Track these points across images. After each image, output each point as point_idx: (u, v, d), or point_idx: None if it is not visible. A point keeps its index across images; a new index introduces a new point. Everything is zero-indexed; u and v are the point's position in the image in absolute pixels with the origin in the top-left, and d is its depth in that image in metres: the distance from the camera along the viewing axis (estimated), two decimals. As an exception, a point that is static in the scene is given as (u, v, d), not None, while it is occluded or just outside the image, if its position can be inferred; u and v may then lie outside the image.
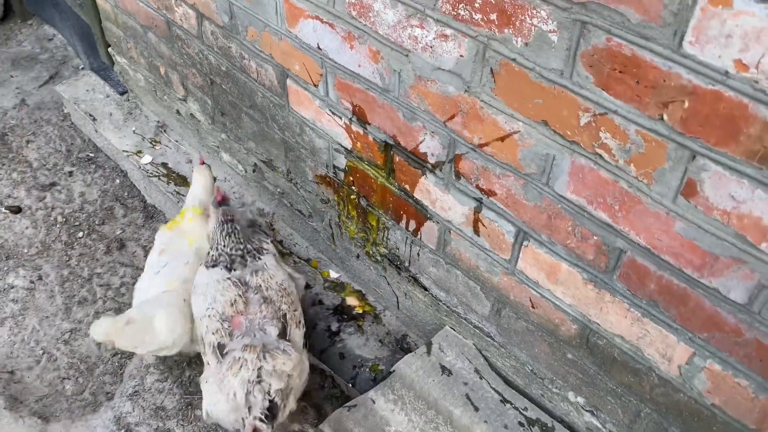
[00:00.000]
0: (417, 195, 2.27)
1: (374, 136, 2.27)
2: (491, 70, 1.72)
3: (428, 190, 2.21)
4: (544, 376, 2.24)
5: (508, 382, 2.42)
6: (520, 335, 2.24)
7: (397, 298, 2.77)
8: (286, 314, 2.28)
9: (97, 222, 3.72)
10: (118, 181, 3.97)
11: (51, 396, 2.97)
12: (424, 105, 1.99)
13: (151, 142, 3.79)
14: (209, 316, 2.38)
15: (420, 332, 2.78)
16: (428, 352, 2.55)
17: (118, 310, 3.28)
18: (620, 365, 1.90)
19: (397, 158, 2.24)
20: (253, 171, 3.19)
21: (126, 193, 3.90)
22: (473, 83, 1.80)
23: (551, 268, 1.94)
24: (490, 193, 1.98)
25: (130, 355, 3.11)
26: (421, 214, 2.31)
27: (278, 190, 3.11)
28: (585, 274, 1.85)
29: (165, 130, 3.85)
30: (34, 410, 2.89)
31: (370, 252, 2.72)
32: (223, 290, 2.37)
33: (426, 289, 2.54)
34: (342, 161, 2.52)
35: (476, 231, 2.12)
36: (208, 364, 2.30)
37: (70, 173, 3.99)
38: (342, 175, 2.57)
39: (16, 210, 3.77)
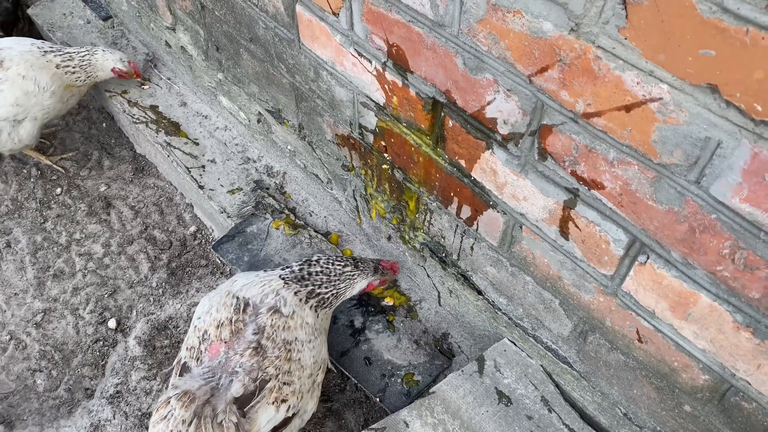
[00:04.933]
0: (476, 175, 1.62)
1: (418, 89, 1.61)
2: (624, -4, 1.04)
3: (494, 170, 1.56)
4: (643, 425, 1.66)
5: (586, 418, 1.84)
6: (612, 369, 1.63)
7: (439, 293, 2.17)
8: (266, 381, 1.71)
9: (79, 176, 3.14)
10: (104, 125, 3.35)
11: (19, 393, 2.47)
12: (499, 49, 1.32)
13: (139, 80, 3.14)
14: (196, 326, 1.84)
15: (466, 333, 2.20)
16: (480, 371, 1.97)
17: (102, 285, 2.74)
18: (777, 443, 1.30)
19: (450, 122, 1.58)
20: (258, 121, 2.55)
21: (113, 140, 3.29)
22: (587, 18, 1.12)
23: (681, 299, 1.31)
24: (593, 184, 1.33)
25: (114, 344, 2.60)
26: (481, 200, 1.67)
27: (289, 147, 2.47)
28: (739, 316, 1.22)
29: (155, 65, 3.18)
30: (-5, 413, 2.40)
31: (406, 237, 2.10)
32: (220, 305, 1.82)
33: (480, 293, 1.94)
34: (371, 120, 1.86)
35: (564, 232, 1.48)
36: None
37: (49, 115, 3.37)
38: (371, 138, 1.92)
39: (-19, 161, 3.19)
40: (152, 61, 3.17)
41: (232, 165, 2.78)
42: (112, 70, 2.79)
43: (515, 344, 1.94)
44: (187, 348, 1.84)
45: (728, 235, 1.14)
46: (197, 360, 1.80)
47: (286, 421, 1.83)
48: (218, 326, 1.83)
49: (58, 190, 3.08)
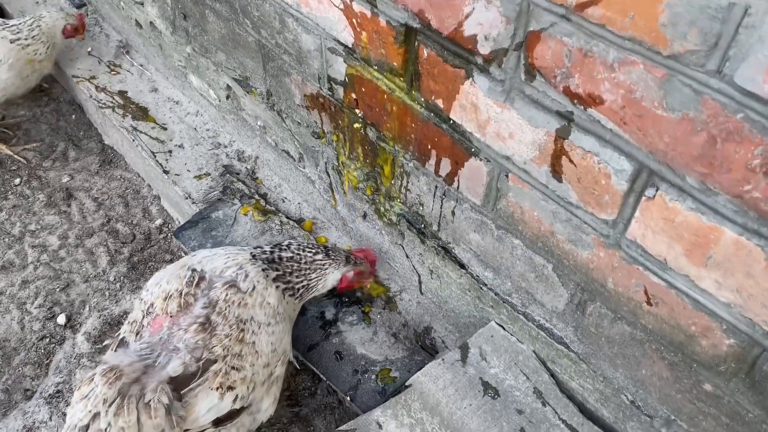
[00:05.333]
0: (456, 116, 1.40)
1: (388, 17, 1.40)
2: None
3: (474, 105, 1.33)
4: (653, 413, 1.39)
5: (586, 412, 1.57)
6: (616, 346, 1.38)
7: (420, 277, 1.93)
8: (212, 362, 1.47)
9: (41, 167, 2.92)
10: (73, 117, 3.16)
11: (-49, 393, 2.20)
12: (476, -59, 1.11)
13: (109, 66, 2.96)
14: (142, 299, 1.62)
15: (451, 325, 1.94)
16: (463, 359, 1.70)
17: (54, 279, 2.50)
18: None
19: (424, 53, 1.37)
20: (227, 98, 2.34)
21: (82, 132, 3.09)
22: None
23: (699, 238, 1.07)
24: (589, 100, 1.11)
25: (61, 341, 2.33)
26: (461, 149, 1.44)
27: (259, 123, 2.25)
28: (774, 251, 0.98)
29: (128, 52, 3.00)
30: None
31: (382, 210, 1.87)
32: (172, 277, 1.60)
33: (463, 266, 1.69)
34: (341, 68, 1.65)
35: (556, 172, 1.25)
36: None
37: (17, 104, 3.18)
38: (341, 91, 1.70)
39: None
40: (124, 47, 3.00)
41: (201, 150, 2.57)
42: (64, 30, 2.62)
43: (503, 327, 1.69)
44: (129, 322, 1.59)
45: (759, 139, 0.91)
46: (137, 335, 1.55)
47: (233, 415, 1.56)
48: (166, 299, 1.59)
49: (17, 180, 2.86)
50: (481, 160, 1.41)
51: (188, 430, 1.49)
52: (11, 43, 2.52)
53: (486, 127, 1.34)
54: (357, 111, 1.70)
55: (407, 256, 1.91)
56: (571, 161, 1.21)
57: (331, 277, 1.80)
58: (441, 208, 1.64)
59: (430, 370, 1.69)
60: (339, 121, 1.80)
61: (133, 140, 2.60)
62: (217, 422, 1.53)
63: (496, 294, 1.63)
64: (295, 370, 2.07)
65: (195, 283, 1.60)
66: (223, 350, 1.52)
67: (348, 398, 1.90)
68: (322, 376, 1.97)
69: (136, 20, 2.70)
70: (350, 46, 1.56)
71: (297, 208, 2.38)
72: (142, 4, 2.52)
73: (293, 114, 2.00)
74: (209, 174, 2.49)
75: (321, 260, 1.79)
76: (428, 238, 1.75)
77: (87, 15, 3.17)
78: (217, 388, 1.50)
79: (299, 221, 2.33)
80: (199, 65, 2.39)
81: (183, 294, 1.58)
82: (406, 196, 1.74)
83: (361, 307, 2.12)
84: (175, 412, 1.40)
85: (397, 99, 1.53)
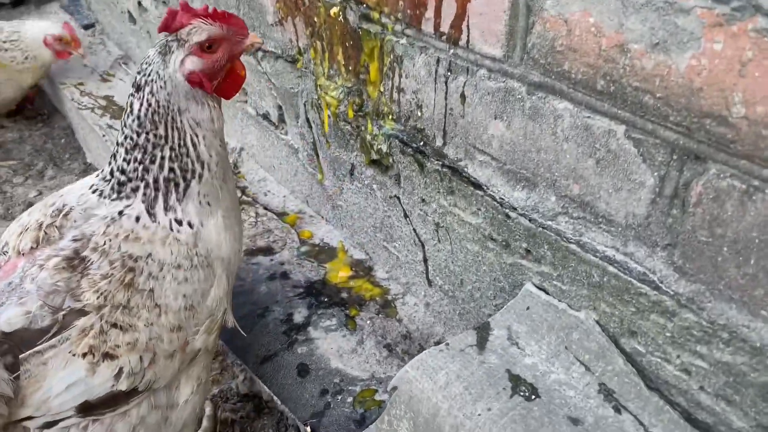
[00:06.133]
0: None
1: None
2: None
3: None
4: None
5: (697, 425, 0.86)
6: (754, 255, 0.72)
7: (424, 249, 1.31)
8: (78, 314, 0.92)
9: (11, 182, 2.53)
10: (63, 140, 2.81)
11: None
12: None
13: (102, 75, 2.64)
14: (1, 240, 1.09)
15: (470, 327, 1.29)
16: (480, 344, 1.04)
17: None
18: None
19: None
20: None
21: (67, 155, 2.72)
22: None
23: None
24: None
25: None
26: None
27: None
28: None
29: (126, 63, 2.70)
30: None
31: (369, 139, 1.31)
32: (35, 209, 1.10)
33: (480, 187, 1.08)
34: None
35: None
36: None
37: (4, 127, 2.88)
38: (314, -39, 1.24)
39: None
40: (122, 59, 2.70)
41: (179, 146, 2.13)
42: (44, 41, 2.31)
43: (545, 291, 1.03)
44: None
45: None
46: None
47: (116, 399, 0.95)
48: (21, 233, 1.04)
49: (-21, 193, 2.46)
50: (499, -38, 0.87)
51: (30, 418, 0.89)
52: None
53: None
54: (335, -15, 1.21)
55: (406, 215, 1.31)
56: None
57: (176, 64, 1.00)
58: (446, 98, 1.07)
59: (426, 360, 1.03)
60: (314, 18, 1.31)
61: (104, 136, 2.18)
62: (86, 409, 0.93)
63: (531, 221, 1.00)
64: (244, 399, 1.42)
65: (63, 213, 1.04)
66: (99, 298, 0.94)
67: (308, 429, 1.23)
68: (275, 397, 1.31)
69: (128, 11, 2.40)
70: None
71: (281, 201, 1.84)
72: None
73: (268, 43, 1.53)
74: (182, 167, 2.02)
75: (158, 60, 1.01)
76: (430, 160, 1.16)
77: (94, 35, 2.94)
78: (85, 354, 0.91)
79: (281, 215, 1.78)
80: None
81: (44, 226, 1.02)
82: (399, 102, 1.18)
83: (346, 309, 1.49)
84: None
85: (381, -74, 1.04)
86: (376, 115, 1.26)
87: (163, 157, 1.03)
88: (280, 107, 1.63)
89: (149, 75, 1.01)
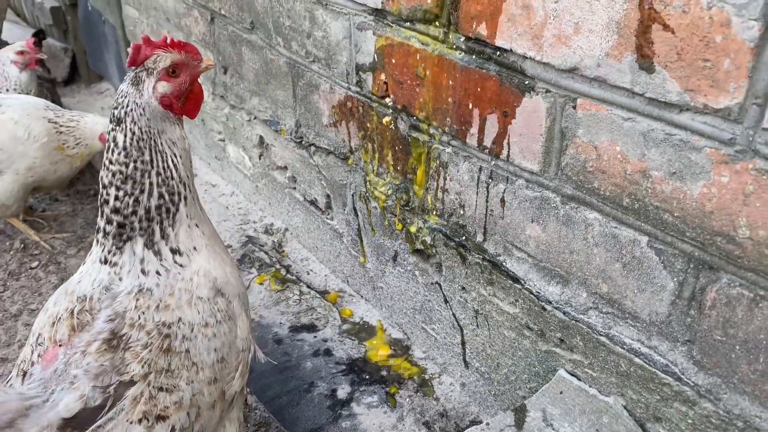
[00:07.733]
0: (503, 39, 1.07)
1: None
2: None
3: (526, 6, 1.00)
4: None
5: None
6: (764, 355, 0.84)
7: (463, 333, 1.43)
8: (127, 385, 1.04)
9: (64, 253, 2.71)
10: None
11: None
12: None
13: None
14: (34, 332, 1.18)
15: (504, 408, 1.39)
16: (518, 425, 1.15)
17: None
18: None
19: (462, -35, 1.09)
20: (260, 157, 2.11)
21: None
22: None
23: None
24: None
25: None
26: (510, 89, 1.08)
27: (287, 175, 1.98)
28: None
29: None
30: None
31: (413, 231, 1.46)
32: (58, 298, 1.17)
33: (518, 281, 1.21)
34: (369, 46, 1.38)
35: (644, 56, 0.86)
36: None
37: (59, 200, 3.08)
38: (369, 79, 1.42)
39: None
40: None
41: (228, 225, 2.29)
42: (101, 137, 2.51)
43: (577, 377, 1.15)
44: (16, 364, 1.16)
45: None
46: (24, 376, 1.10)
47: None
48: (54, 324, 1.14)
49: (35, 263, 2.63)
50: (537, 94, 1.04)
51: None
52: (49, 122, 2.47)
53: (542, 34, 0.99)
54: (386, 99, 1.39)
55: (446, 301, 1.44)
56: (665, 26, 0.82)
57: (148, 91, 1.11)
58: (487, 201, 1.22)
59: (468, 438, 1.14)
60: (367, 124, 1.49)
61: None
62: None
63: (565, 314, 1.12)
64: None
65: (89, 297, 1.12)
66: (143, 366, 1.05)
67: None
68: (322, 470, 1.41)
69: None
70: (379, 7, 1.31)
71: (323, 280, 1.98)
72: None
73: (320, 138, 1.71)
74: (230, 246, 2.17)
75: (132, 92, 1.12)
76: (471, 253, 1.30)
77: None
78: (140, 420, 1.02)
79: (323, 293, 1.92)
80: (235, 124, 2.21)
81: (75, 313, 1.11)
82: (443, 200, 1.34)
83: (386, 387, 1.60)
84: None
85: (431, 56, 1.22)
86: (421, 210, 1.41)
87: (151, 184, 1.11)
88: (328, 195, 1.79)
89: (127, 106, 1.10)
